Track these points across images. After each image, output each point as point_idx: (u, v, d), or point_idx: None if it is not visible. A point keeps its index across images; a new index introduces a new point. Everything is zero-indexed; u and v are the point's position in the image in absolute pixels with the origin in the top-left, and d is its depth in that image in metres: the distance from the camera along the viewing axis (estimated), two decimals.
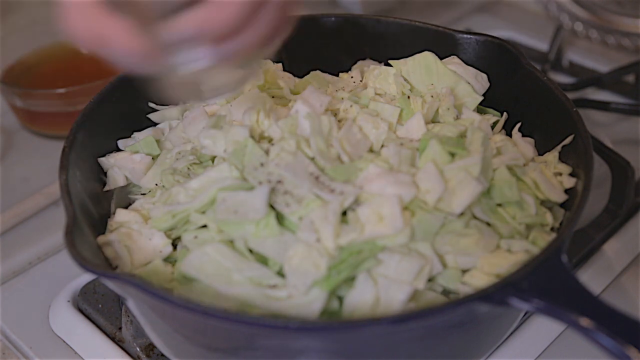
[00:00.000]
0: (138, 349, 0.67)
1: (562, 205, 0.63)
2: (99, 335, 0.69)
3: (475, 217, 0.58)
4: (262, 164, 0.59)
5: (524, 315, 0.67)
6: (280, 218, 0.57)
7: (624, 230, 0.77)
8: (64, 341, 0.70)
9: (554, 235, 0.60)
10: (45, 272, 0.77)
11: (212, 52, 0.50)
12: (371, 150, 0.62)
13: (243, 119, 0.64)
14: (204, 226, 0.59)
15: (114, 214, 0.65)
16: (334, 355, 0.53)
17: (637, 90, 0.97)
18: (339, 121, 0.65)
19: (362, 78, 0.73)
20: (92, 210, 0.63)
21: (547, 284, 0.50)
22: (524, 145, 0.66)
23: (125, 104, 0.71)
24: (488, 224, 0.59)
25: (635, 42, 1.08)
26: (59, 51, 1.02)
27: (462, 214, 0.58)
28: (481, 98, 0.70)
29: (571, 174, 0.63)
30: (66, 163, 0.61)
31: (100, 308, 0.71)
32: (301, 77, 0.74)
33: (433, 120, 0.67)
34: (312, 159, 0.60)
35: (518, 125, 0.68)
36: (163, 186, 0.65)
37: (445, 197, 0.57)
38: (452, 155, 0.60)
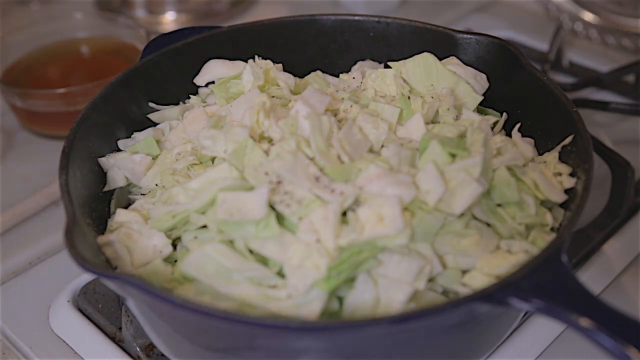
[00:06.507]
0: (138, 349, 0.67)
1: (562, 205, 0.63)
2: (99, 335, 0.69)
3: (475, 218, 0.58)
4: (262, 164, 0.59)
5: (524, 315, 0.67)
6: (280, 218, 0.57)
7: (624, 230, 0.77)
8: (64, 341, 0.70)
9: (553, 235, 0.60)
10: (45, 272, 0.77)
11: None
12: (371, 151, 0.62)
13: (243, 119, 0.64)
14: (204, 226, 0.59)
15: (114, 214, 0.65)
16: (334, 355, 0.53)
17: (637, 90, 0.97)
18: (339, 121, 0.65)
19: (362, 79, 0.73)
20: (92, 210, 0.63)
21: (547, 284, 0.50)
22: (524, 146, 0.66)
23: (125, 104, 0.71)
24: (488, 225, 0.59)
25: (635, 42, 1.08)
26: (59, 51, 1.02)
27: (462, 214, 0.58)
28: (481, 98, 0.70)
29: (571, 174, 0.63)
30: (66, 163, 0.61)
31: (100, 308, 0.71)
32: (301, 77, 0.74)
33: (433, 120, 0.67)
34: (312, 159, 0.60)
35: (518, 125, 0.68)
36: (163, 186, 0.65)
37: (445, 198, 0.57)
38: (453, 156, 0.60)
